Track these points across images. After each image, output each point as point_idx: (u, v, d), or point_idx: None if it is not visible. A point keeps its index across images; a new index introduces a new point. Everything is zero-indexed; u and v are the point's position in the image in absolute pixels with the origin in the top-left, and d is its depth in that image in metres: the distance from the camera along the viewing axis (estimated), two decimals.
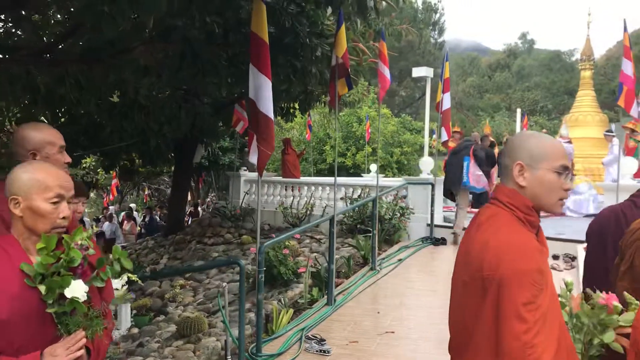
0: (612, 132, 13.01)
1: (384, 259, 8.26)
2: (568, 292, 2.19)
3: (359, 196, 10.60)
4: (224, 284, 5.20)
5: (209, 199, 25.47)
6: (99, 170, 18.88)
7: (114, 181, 20.52)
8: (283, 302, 6.23)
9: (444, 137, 9.62)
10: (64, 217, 1.84)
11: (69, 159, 2.49)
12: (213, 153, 18.99)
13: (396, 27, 12.36)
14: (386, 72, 7.44)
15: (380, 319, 5.81)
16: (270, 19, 5.56)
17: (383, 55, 7.49)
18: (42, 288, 1.70)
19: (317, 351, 4.95)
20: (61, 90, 6.70)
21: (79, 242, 1.77)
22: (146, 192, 28.47)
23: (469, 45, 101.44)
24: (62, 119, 11.36)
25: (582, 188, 11.61)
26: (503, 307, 1.59)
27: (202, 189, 27.52)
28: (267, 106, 4.57)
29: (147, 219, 19.52)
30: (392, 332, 5.36)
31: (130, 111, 10.70)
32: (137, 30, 6.03)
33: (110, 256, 1.90)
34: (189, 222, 16.53)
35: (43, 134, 2.41)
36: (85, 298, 1.72)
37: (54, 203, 1.82)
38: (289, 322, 5.68)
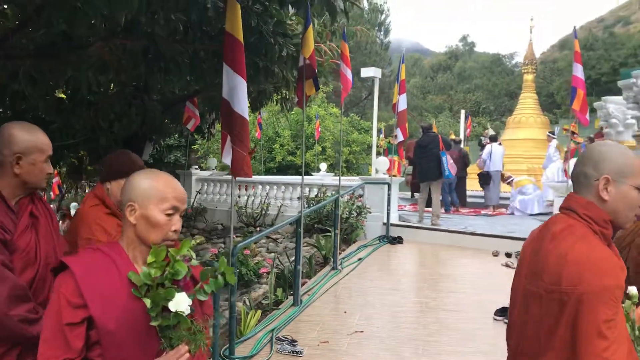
0: (553, 133, 13.62)
1: (344, 258, 8.33)
2: (632, 305, 2.23)
3: (316, 196, 10.64)
4: None
5: None
6: None
7: (56, 179, 19.72)
8: (249, 304, 6.18)
9: (400, 137, 9.78)
10: (175, 230, 1.78)
11: (52, 170, 2.38)
12: (158, 151, 18.57)
13: (351, 27, 12.47)
14: (348, 73, 7.51)
15: (347, 318, 5.86)
16: None
17: (345, 56, 7.56)
18: (147, 302, 1.65)
19: (289, 352, 4.95)
20: (15, 85, 6.39)
21: (184, 254, 1.71)
22: (87, 191, 27.54)
23: (410, 46, 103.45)
24: (4, 114, 10.86)
25: (529, 189, 12.08)
26: (584, 323, 1.59)
27: None
28: (243, 107, 4.53)
29: None
30: (362, 332, 5.42)
31: (79, 108, 10.34)
32: (97, 26, 5.83)
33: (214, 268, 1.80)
34: None
35: (34, 138, 2.28)
36: (189, 311, 1.65)
37: (168, 215, 1.75)
38: (257, 324, 5.65)
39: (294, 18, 7.74)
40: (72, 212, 20.55)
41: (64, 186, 22.52)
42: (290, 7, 6.68)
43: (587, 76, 7.58)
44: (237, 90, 4.53)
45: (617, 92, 26.11)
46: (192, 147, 17.81)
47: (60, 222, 18.14)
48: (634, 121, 5.07)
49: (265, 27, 6.55)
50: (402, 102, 9.46)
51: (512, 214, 12.51)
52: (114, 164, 2.88)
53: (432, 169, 10.25)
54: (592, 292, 1.59)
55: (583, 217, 1.77)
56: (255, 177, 14.03)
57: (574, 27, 7.54)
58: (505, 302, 6.08)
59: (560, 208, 1.91)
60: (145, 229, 1.74)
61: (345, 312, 6.08)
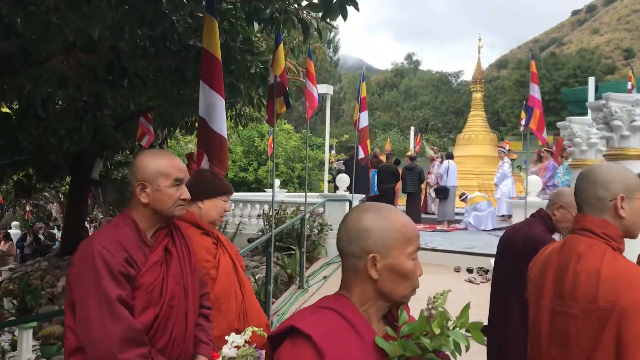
0: (504, 149, 14.05)
1: (309, 276, 8.26)
2: None
3: (277, 213, 10.54)
4: None
5: (101, 216, 24.07)
6: None
7: None
8: None
9: (361, 154, 9.83)
10: (420, 274, 1.48)
11: (186, 195, 2.14)
12: (106, 167, 18.04)
13: (309, 44, 12.50)
14: (314, 90, 7.51)
15: None
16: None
17: (311, 74, 7.56)
18: None
19: None
20: None
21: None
22: (27, 209, 26.37)
23: (355, 63, 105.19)
24: None
25: (482, 205, 12.37)
26: (628, 337, 1.62)
27: (90, 206, 25.99)
28: (221, 125, 4.43)
29: (30, 239, 18.05)
30: None
31: (26, 123, 9.91)
32: (62, 40, 5.61)
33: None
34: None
35: (156, 163, 2.10)
36: None
37: (413, 259, 1.45)
38: None
39: (259, 35, 7.71)
40: (13, 231, 19.61)
41: (4, 204, 21.50)
42: (257, 24, 6.65)
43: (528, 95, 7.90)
44: (215, 109, 4.43)
45: (559, 110, 27.16)
46: None
47: (2, 242, 17.28)
48: (597, 140, 5.29)
49: (233, 44, 6.48)
50: (363, 119, 9.53)
51: (466, 229, 12.78)
52: (209, 183, 2.82)
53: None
54: (633, 306, 1.64)
55: (601, 236, 1.86)
56: None
57: (531, 50, 7.85)
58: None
59: (574, 230, 1.97)
60: (392, 281, 1.42)
61: None
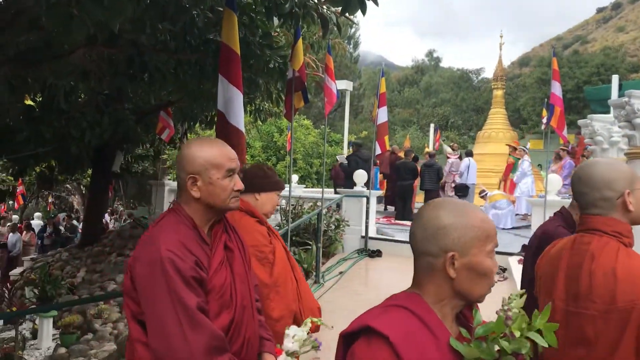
0: (525, 147, 13.91)
1: (325, 271, 8.28)
2: None
3: (294, 208, 10.56)
4: None
5: (122, 209, 24.38)
6: (4, 176, 17.55)
7: (20, 188, 19.11)
8: None
9: (378, 150, 9.81)
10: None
11: (240, 186, 2.00)
12: (126, 160, 18.25)
13: (326, 41, 12.50)
14: (333, 86, 7.50)
15: (336, 333, 5.79)
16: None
17: (330, 69, 7.56)
18: None
19: None
20: None
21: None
22: (50, 200, 26.79)
23: (375, 60, 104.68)
24: None
25: (502, 204, 12.26)
26: None
27: (111, 198, 26.33)
28: (239, 119, 4.47)
29: (50, 230, 18.32)
30: None
31: (49, 115, 10.06)
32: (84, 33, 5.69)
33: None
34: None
35: (206, 154, 1.92)
36: None
37: (491, 257, 1.40)
38: None
39: (278, 30, 7.73)
40: (35, 222, 19.94)
41: (27, 196, 21.89)
42: (276, 19, 6.67)
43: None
44: (233, 102, 4.47)
45: (582, 108, 26.79)
46: (160, 157, 17.52)
47: (24, 232, 17.59)
48: (619, 139, 5.22)
49: (252, 38, 6.51)
50: (382, 115, 9.51)
51: None
52: (269, 179, 2.92)
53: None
54: None
55: (611, 234, 1.85)
56: None
57: (553, 47, 7.74)
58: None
59: (582, 231, 1.95)
60: (471, 280, 1.37)
61: (332, 327, 6.01)
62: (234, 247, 2.05)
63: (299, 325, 2.24)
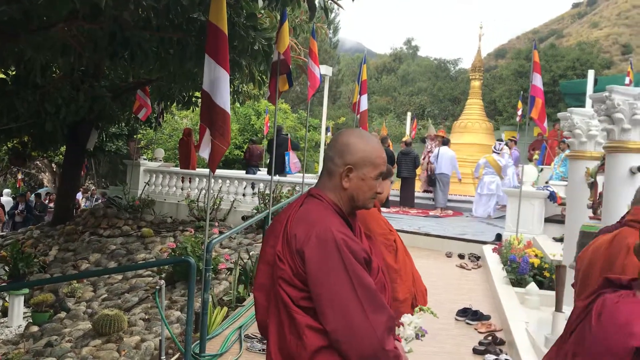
0: (502, 140, 14.09)
1: None
2: None
3: (273, 192, 10.55)
4: (161, 281, 4.95)
5: (93, 187, 24.01)
6: None
7: None
8: (213, 301, 6.06)
9: None
10: None
11: (381, 189, 2.09)
12: (100, 139, 17.94)
13: (310, 24, 12.43)
14: (316, 70, 7.49)
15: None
16: (207, 7, 5.40)
17: (314, 53, 7.54)
18: None
19: (259, 350, 4.89)
20: None
21: None
22: (20, 177, 26.20)
23: (353, 46, 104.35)
24: None
25: (493, 185, 12.43)
26: None
27: (83, 177, 25.88)
28: (225, 100, 4.43)
29: (23, 207, 17.96)
30: None
31: (24, 90, 9.84)
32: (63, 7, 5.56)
33: None
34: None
35: (369, 149, 1.91)
36: None
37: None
38: (223, 321, 5.55)
39: (262, 12, 7.66)
40: (5, 198, 19.50)
41: None
42: (261, 0, 6.60)
43: (527, 85, 7.90)
44: (220, 83, 4.43)
45: (557, 102, 27.17)
46: (135, 136, 17.27)
47: None
48: (597, 132, 5.34)
49: (237, 19, 6.45)
50: (363, 102, 9.54)
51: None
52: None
53: (278, 166, 11.78)
54: None
55: None
56: (218, 172, 13.77)
57: (534, 40, 7.84)
58: (465, 303, 6.25)
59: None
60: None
61: (438, 316, 6.07)
62: (367, 239, 2.05)
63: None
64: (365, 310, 1.71)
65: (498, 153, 12.80)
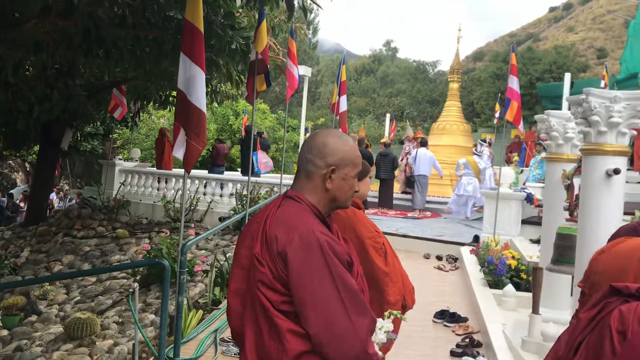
0: (485, 141, 14.19)
1: None
2: None
3: (251, 192, 10.47)
4: (135, 284, 4.84)
5: (67, 188, 23.62)
6: None
7: None
8: (188, 303, 5.96)
9: None
10: None
11: (358, 188, 2.00)
12: (74, 138, 17.63)
13: (288, 25, 12.38)
14: (295, 71, 7.43)
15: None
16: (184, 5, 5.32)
17: (292, 54, 7.47)
18: None
19: (235, 354, 4.82)
20: None
21: None
22: None
23: (332, 47, 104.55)
24: None
25: (470, 188, 12.50)
26: None
27: (57, 177, 25.44)
28: (200, 99, 4.35)
29: None
30: None
31: None
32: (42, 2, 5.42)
33: None
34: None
35: (348, 149, 1.92)
36: None
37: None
38: (198, 324, 5.46)
39: (240, 10, 7.59)
40: None
41: None
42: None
43: (505, 88, 7.95)
44: (195, 81, 4.35)
45: (533, 104, 27.50)
46: (110, 136, 17.02)
47: None
48: (573, 135, 5.37)
49: (215, 17, 6.37)
50: (342, 103, 9.50)
51: (449, 213, 13.06)
52: (364, 164, 2.88)
53: (247, 166, 12.61)
54: None
55: None
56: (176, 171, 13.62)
57: (511, 43, 7.89)
58: (443, 305, 6.24)
59: None
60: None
61: (406, 319, 6.00)
62: (344, 240, 2.02)
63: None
64: (348, 313, 1.68)
65: (479, 156, 12.89)
